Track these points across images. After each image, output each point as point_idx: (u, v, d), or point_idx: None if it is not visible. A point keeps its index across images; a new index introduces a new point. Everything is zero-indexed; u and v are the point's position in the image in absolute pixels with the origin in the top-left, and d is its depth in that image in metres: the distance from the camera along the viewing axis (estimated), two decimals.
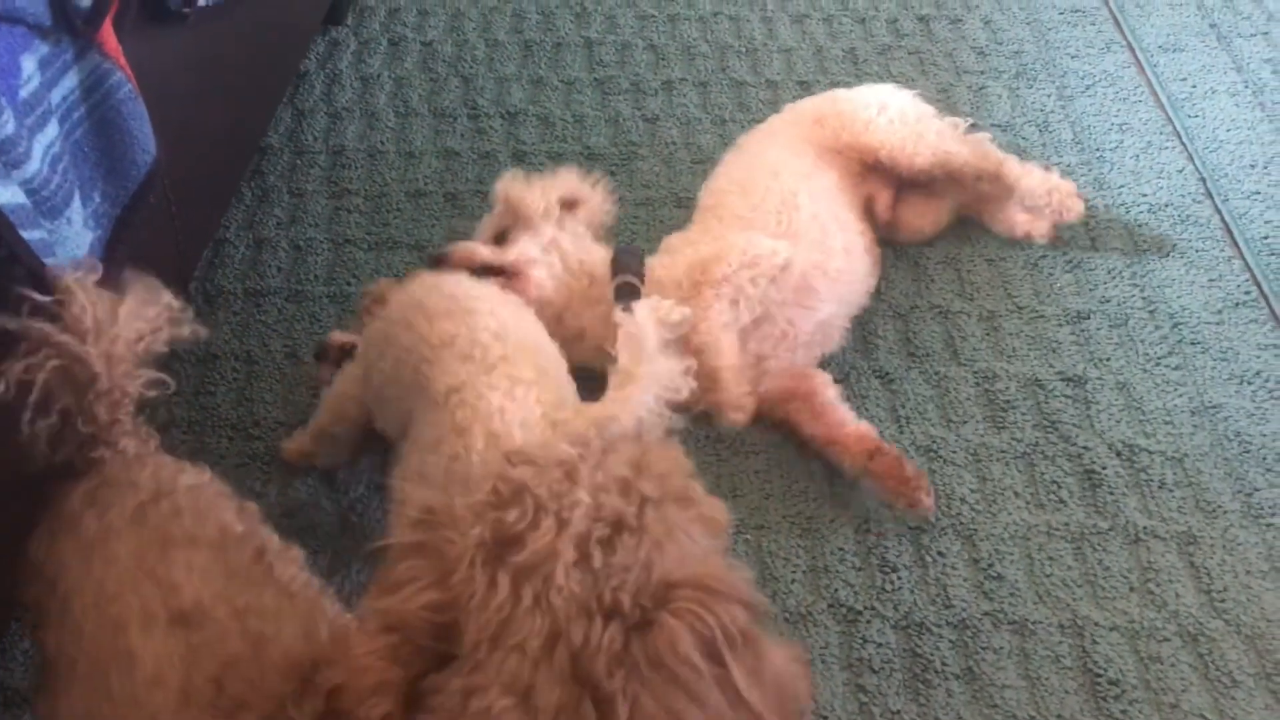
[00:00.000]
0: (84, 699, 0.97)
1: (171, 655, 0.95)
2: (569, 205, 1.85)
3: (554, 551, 0.76)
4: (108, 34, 1.34)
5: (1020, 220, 2.07)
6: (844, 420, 1.71)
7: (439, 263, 1.78)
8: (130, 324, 1.14)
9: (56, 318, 1.11)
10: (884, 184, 2.03)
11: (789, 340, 1.78)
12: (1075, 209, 2.04)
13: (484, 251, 1.79)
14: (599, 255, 1.82)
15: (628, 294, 1.71)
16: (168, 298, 1.19)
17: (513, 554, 0.77)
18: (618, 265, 1.77)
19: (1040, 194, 2.03)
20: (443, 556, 0.80)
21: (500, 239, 1.83)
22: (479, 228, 1.89)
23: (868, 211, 2.02)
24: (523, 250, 1.80)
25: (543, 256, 1.80)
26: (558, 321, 1.77)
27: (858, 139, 1.98)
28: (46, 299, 1.12)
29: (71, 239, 1.30)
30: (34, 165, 1.19)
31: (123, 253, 1.39)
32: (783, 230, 1.81)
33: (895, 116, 1.99)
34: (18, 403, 1.08)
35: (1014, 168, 2.05)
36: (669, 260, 1.81)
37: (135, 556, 1.02)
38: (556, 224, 1.83)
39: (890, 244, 2.05)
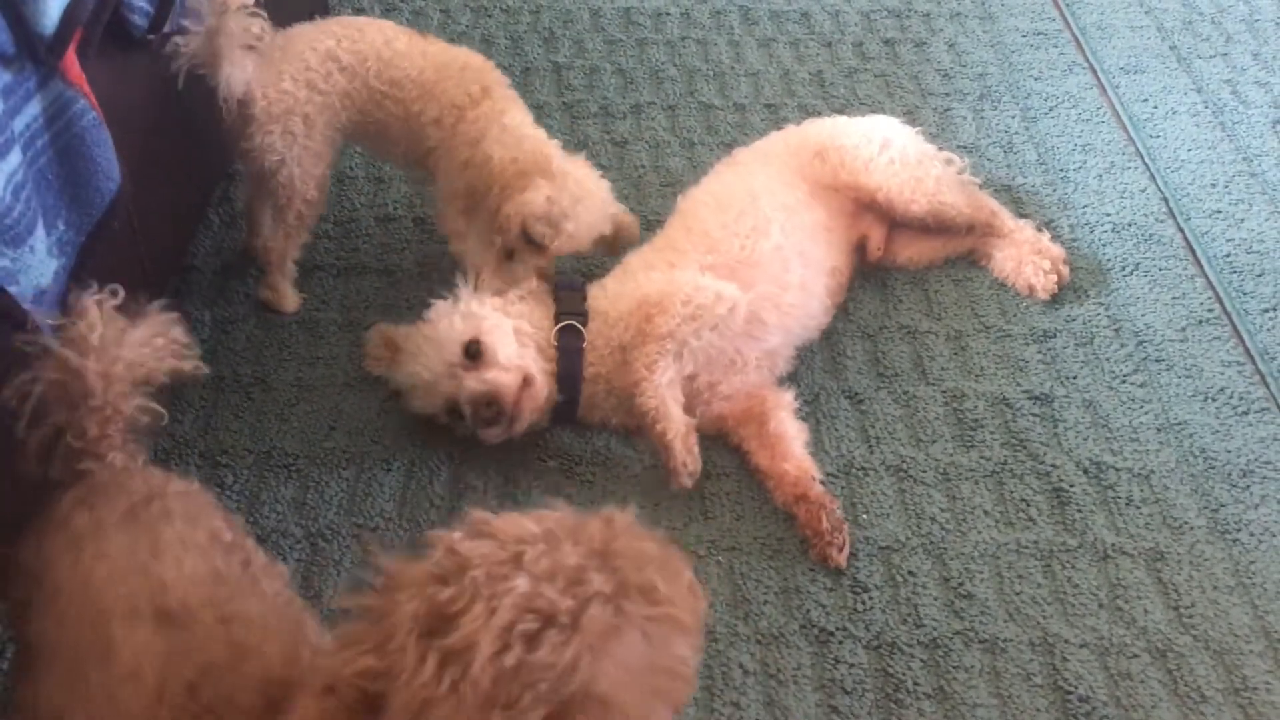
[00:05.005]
0: (61, 687, 0.97)
1: (151, 652, 0.96)
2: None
3: (475, 641, 0.73)
4: (71, 62, 1.33)
5: (1026, 271, 2.03)
6: (787, 454, 1.71)
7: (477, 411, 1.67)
8: (135, 349, 1.16)
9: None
10: (878, 222, 2.03)
11: (737, 366, 1.79)
12: (1059, 275, 2.02)
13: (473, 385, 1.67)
14: (544, 309, 1.80)
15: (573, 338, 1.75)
16: (177, 331, 1.21)
17: (444, 634, 0.75)
18: (560, 307, 1.78)
19: (1028, 253, 2.03)
20: (385, 620, 0.78)
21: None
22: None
23: (859, 251, 2.03)
24: (509, 358, 1.70)
25: (530, 354, 1.73)
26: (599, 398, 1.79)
27: (856, 179, 1.97)
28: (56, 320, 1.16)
29: (35, 267, 1.29)
30: None
31: (87, 280, 1.38)
32: (744, 256, 1.81)
33: (896, 157, 1.98)
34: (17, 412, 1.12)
35: (1006, 221, 2.06)
36: (617, 290, 1.81)
37: (126, 551, 1.03)
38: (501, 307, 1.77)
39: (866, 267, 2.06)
